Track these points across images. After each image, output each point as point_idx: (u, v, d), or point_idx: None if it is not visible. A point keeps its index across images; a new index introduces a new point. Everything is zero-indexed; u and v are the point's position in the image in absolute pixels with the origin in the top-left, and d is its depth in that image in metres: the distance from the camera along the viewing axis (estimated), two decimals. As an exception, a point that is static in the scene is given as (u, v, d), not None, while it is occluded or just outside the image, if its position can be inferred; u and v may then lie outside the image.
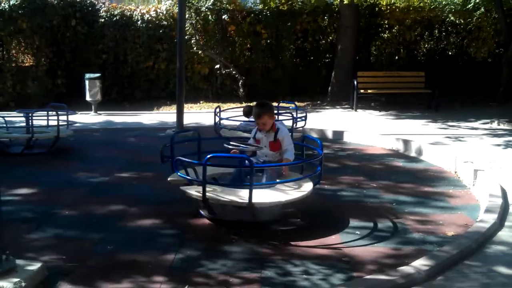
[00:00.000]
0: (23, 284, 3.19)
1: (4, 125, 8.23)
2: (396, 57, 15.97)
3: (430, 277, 3.58)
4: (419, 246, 4.17)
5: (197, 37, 14.69)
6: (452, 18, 15.56)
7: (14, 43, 14.56)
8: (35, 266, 3.44)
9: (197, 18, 14.60)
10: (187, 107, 12.59)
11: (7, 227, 4.46)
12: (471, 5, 13.98)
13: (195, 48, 14.58)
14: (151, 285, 3.44)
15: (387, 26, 15.81)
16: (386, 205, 5.32)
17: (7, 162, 7.28)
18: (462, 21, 15.70)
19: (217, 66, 14.92)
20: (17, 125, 9.17)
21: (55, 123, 7.81)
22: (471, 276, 3.66)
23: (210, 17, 14.61)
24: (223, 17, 14.73)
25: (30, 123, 7.92)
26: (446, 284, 3.53)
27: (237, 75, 14.82)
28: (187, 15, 13.28)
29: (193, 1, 14.41)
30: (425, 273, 3.58)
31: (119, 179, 6.37)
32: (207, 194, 4.32)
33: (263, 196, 4.42)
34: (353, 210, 5.14)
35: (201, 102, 14.55)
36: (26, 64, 14.98)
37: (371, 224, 4.71)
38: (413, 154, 7.82)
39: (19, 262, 3.40)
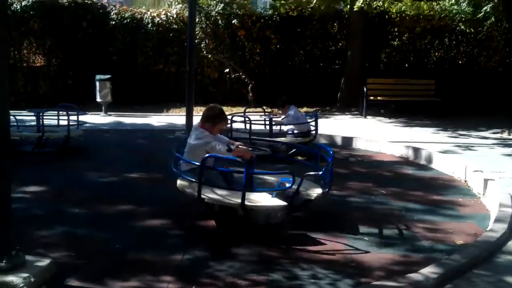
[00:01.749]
0: (32, 279, 3.21)
1: (15, 123, 8.27)
2: (406, 65, 15.93)
3: (439, 285, 3.56)
4: (427, 254, 4.14)
5: (207, 41, 14.75)
6: (462, 27, 15.52)
7: (26, 44, 14.67)
8: (44, 262, 3.45)
9: (207, 22, 14.67)
10: (196, 110, 12.50)
11: (17, 224, 4.50)
12: (481, 14, 13.92)
13: (205, 52, 14.63)
14: (158, 284, 3.44)
15: (397, 33, 15.79)
16: (395, 212, 5.30)
17: (18, 161, 7.31)
18: (473, 30, 15.65)
19: (227, 70, 14.96)
20: (27, 124, 9.22)
21: (65, 123, 7.86)
22: (480, 285, 3.63)
23: (220, 21, 14.67)
24: (233, 21, 14.79)
25: (41, 122, 7.96)
26: (455, 292, 3.51)
27: (246, 80, 14.85)
28: (197, 19, 13.32)
29: (203, 6, 14.47)
30: (433, 281, 3.55)
31: (128, 179, 6.40)
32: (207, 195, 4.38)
33: (261, 199, 4.44)
34: (361, 216, 5.12)
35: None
36: (37, 65, 15.09)
37: (379, 231, 4.69)
38: (422, 162, 7.79)
39: (28, 258, 3.41)
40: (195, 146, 4.73)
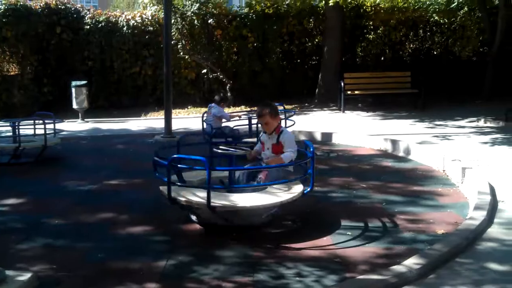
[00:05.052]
0: (13, 295, 3.16)
1: (-10, 135, 8.15)
2: (382, 58, 16.07)
3: (422, 275, 3.60)
4: (410, 245, 4.19)
5: (184, 42, 14.68)
6: (436, 17, 15.70)
7: (-1, 52, 14.44)
8: (25, 276, 3.40)
9: (183, 23, 14.60)
10: (175, 113, 12.54)
11: (-4, 238, 4.43)
12: (454, 4, 14.10)
13: (181, 53, 14.56)
14: (143, 292, 3.42)
15: (372, 27, 15.92)
16: (376, 205, 5.34)
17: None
18: (446, 21, 15.85)
19: (204, 70, 14.91)
20: (3, 134, 9.07)
21: (42, 131, 7.74)
22: (462, 273, 3.68)
23: (196, 21, 14.61)
24: (209, 21, 14.74)
25: (17, 133, 7.84)
26: (438, 282, 3.55)
27: (224, 79, 14.82)
28: (172, 20, 13.25)
29: (179, 6, 14.40)
30: (417, 272, 3.59)
31: (108, 186, 6.33)
32: (194, 199, 4.33)
33: (249, 199, 4.42)
34: (343, 211, 5.15)
35: (189, 107, 14.52)
36: (12, 73, 14.86)
37: (362, 225, 4.72)
38: (401, 154, 7.86)
39: (8, 272, 3.35)
40: None
